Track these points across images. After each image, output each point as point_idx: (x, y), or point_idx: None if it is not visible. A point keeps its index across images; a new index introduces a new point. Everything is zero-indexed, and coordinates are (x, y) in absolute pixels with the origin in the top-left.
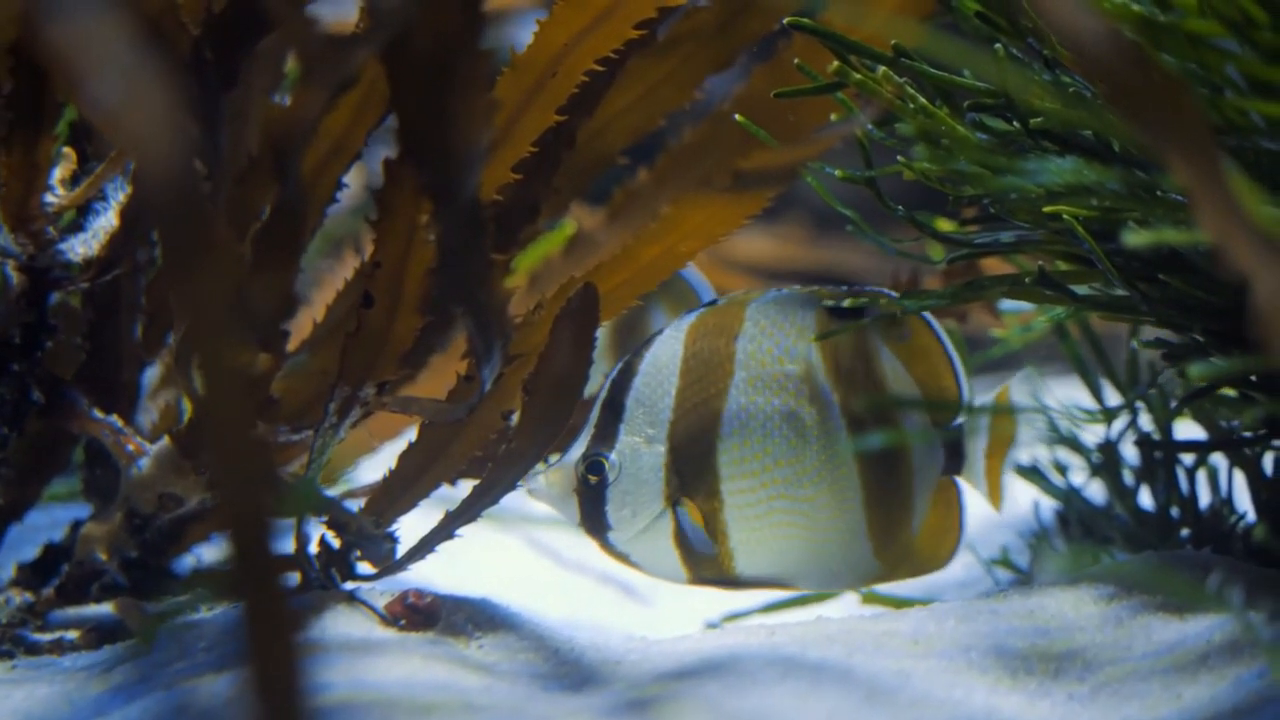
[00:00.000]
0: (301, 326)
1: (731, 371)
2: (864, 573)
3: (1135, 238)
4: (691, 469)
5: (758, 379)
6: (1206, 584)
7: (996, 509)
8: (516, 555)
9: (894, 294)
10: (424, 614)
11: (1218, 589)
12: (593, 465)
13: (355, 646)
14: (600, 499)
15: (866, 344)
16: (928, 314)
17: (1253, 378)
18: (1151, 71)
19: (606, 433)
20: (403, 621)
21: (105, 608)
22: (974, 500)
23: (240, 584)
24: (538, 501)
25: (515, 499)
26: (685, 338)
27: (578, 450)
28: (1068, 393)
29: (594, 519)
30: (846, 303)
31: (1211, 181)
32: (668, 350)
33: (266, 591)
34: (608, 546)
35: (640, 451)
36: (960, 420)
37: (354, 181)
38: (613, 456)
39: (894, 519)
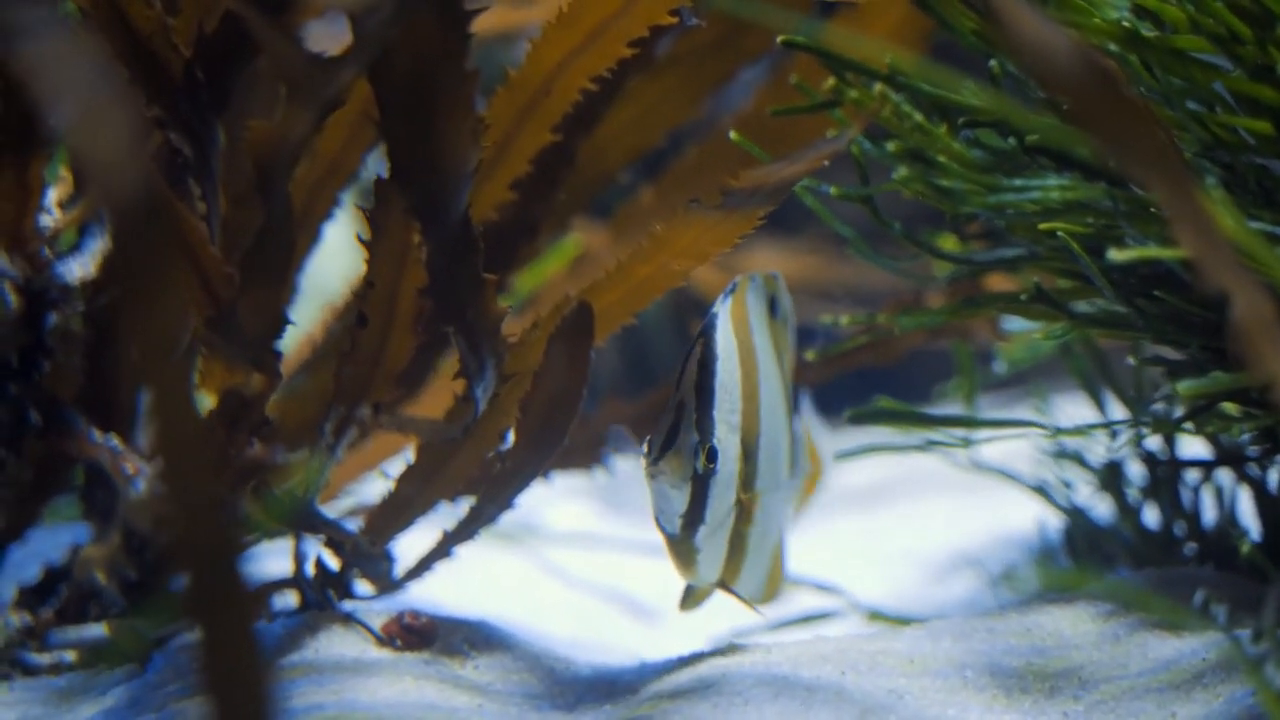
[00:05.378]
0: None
1: (759, 363)
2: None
3: (1119, 254)
4: (748, 463)
5: (767, 374)
6: (1192, 602)
7: None
8: (524, 574)
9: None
10: (419, 634)
11: (1202, 607)
12: (711, 451)
13: (348, 667)
14: (705, 489)
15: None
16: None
17: (1253, 393)
18: (1119, 91)
19: (705, 419)
20: (398, 642)
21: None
22: (982, 517)
23: (198, 614)
24: (650, 488)
25: (524, 516)
26: (731, 323)
27: (689, 435)
28: (1075, 410)
29: (696, 510)
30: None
31: (1182, 200)
32: (727, 335)
33: (227, 621)
34: (688, 542)
35: (728, 441)
36: None
37: None
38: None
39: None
